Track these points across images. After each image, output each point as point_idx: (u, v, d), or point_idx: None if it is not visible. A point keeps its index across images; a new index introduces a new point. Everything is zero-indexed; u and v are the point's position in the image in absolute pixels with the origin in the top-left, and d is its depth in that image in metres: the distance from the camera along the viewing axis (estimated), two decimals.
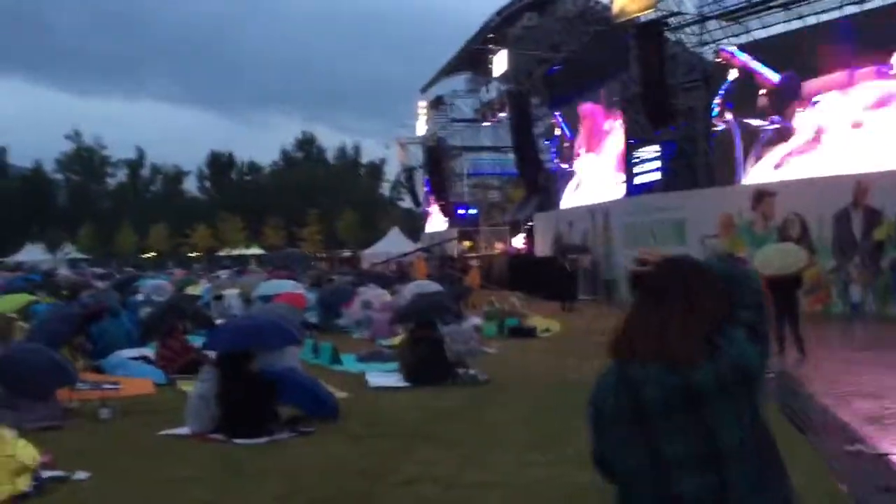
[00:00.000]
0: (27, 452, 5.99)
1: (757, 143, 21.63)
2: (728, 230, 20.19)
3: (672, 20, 24.90)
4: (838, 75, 19.27)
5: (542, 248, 30.97)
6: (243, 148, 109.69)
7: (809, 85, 20.05)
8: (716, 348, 1.92)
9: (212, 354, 8.39)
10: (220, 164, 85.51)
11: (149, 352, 11.83)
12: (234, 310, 16.66)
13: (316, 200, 71.15)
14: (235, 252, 65.70)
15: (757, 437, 1.98)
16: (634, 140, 26.51)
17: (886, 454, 6.03)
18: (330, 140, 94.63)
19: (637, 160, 26.26)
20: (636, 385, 1.97)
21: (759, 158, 21.50)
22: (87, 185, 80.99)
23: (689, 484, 1.92)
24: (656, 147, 25.51)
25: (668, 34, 24.80)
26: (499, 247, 38.41)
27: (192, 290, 19.54)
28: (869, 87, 18.63)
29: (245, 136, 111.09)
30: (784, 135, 20.82)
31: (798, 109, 20.41)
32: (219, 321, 13.87)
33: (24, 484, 5.60)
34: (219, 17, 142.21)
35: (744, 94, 22.10)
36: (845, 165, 18.56)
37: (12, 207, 72.64)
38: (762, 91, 21.50)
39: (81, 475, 6.06)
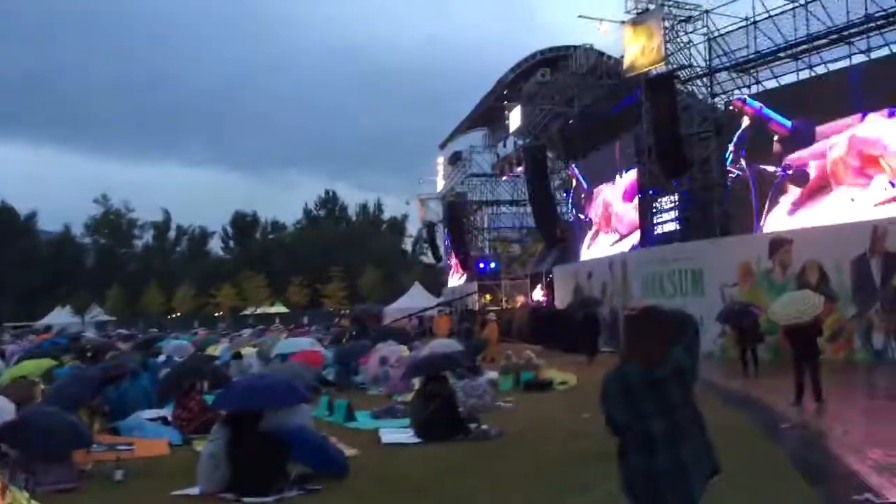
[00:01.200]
0: None
1: (772, 190, 21.61)
2: (747, 278, 20.06)
3: (682, 73, 25.18)
4: (850, 119, 19.33)
5: (562, 301, 30.92)
6: (267, 207, 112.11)
7: (822, 130, 20.09)
8: (669, 357, 3.60)
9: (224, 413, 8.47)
10: (243, 224, 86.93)
11: (167, 412, 11.98)
12: (254, 369, 16.73)
13: (338, 258, 71.74)
14: (259, 311, 66.10)
15: (691, 403, 3.67)
16: (652, 191, 26.60)
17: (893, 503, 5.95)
18: (352, 197, 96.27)
19: (655, 210, 26.32)
20: (628, 375, 3.65)
21: (775, 205, 21.47)
22: (115, 247, 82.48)
23: (658, 426, 3.56)
24: (674, 197, 25.60)
25: (679, 86, 25.06)
26: (520, 300, 38.34)
27: (212, 350, 19.71)
28: (880, 128, 18.65)
29: (269, 195, 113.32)
30: (799, 181, 20.80)
31: (811, 154, 20.44)
32: (235, 380, 13.96)
33: None
34: (241, 80, 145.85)
35: (757, 142, 22.15)
36: (861, 211, 18.53)
37: (41, 272, 74.08)
38: (776, 137, 21.56)
39: None
